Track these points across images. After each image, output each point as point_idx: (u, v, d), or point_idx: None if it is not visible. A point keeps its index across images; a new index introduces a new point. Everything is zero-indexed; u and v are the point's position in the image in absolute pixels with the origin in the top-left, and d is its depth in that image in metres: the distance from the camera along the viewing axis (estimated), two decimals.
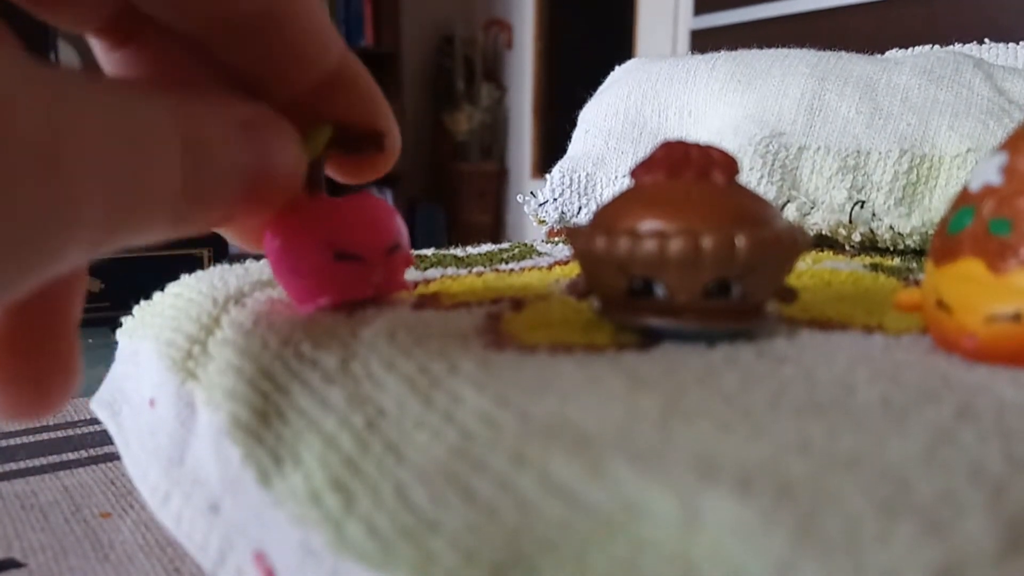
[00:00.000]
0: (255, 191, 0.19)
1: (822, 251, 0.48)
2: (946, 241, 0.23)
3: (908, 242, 0.48)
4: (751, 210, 0.22)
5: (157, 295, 0.32)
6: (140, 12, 0.18)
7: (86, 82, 0.14)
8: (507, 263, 0.41)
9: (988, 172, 0.22)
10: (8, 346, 0.16)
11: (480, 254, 0.44)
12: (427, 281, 0.33)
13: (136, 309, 0.33)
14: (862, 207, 0.49)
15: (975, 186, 0.22)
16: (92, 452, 0.44)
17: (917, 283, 0.35)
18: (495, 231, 3.16)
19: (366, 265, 0.24)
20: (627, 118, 0.64)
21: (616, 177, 0.60)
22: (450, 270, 0.38)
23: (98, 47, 0.21)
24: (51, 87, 0.13)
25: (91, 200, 0.13)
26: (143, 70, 0.21)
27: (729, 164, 0.23)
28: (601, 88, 0.71)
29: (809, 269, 0.37)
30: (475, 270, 0.38)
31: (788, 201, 0.50)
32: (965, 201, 0.23)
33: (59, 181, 0.12)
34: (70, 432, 0.47)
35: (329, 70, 0.20)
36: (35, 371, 0.16)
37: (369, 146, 0.23)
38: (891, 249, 0.49)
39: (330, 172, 0.24)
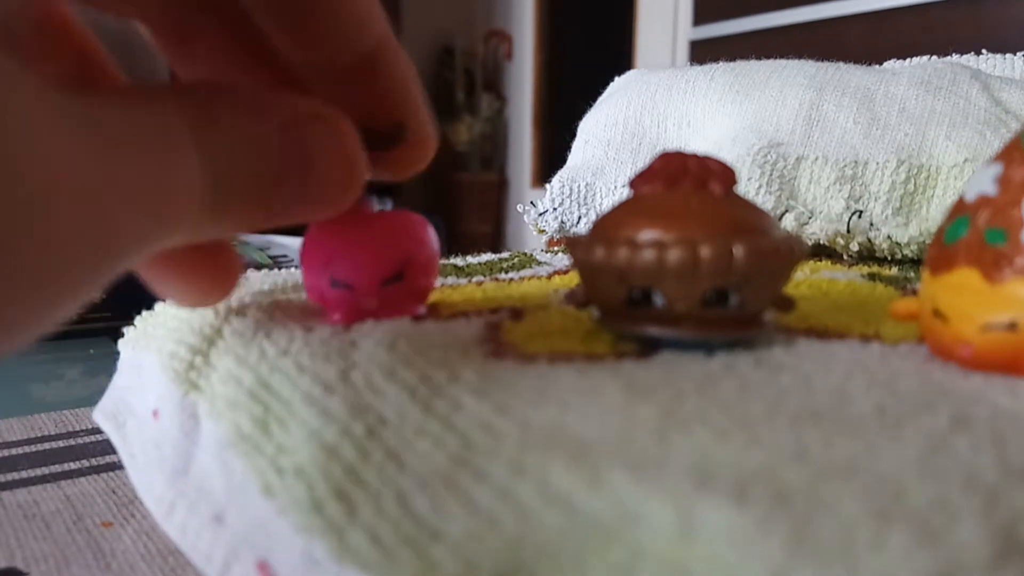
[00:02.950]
0: (299, 194, 0.18)
1: (820, 260, 0.48)
2: (942, 251, 0.23)
3: (906, 252, 0.48)
4: (749, 220, 0.23)
5: (159, 305, 0.32)
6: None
7: (61, 98, 0.13)
8: (507, 273, 0.41)
9: (983, 182, 0.22)
10: (181, 265, 0.21)
11: (480, 264, 0.45)
12: None
13: (138, 319, 0.33)
14: (860, 217, 0.49)
15: (971, 196, 0.23)
16: (94, 462, 0.44)
17: (914, 292, 0.35)
18: (495, 241, 3.16)
19: (356, 294, 0.25)
20: (626, 128, 0.64)
21: (615, 187, 0.60)
22: (450, 280, 0.38)
23: (162, 47, 0.21)
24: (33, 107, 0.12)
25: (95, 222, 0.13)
26: (200, 69, 0.21)
27: (727, 174, 0.23)
28: (600, 99, 0.71)
29: (807, 279, 0.38)
30: (475, 280, 0.38)
31: (786, 211, 0.51)
32: (961, 211, 0.23)
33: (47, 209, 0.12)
34: (71, 442, 0.47)
35: (366, 50, 0.19)
36: (205, 277, 0.21)
37: (392, 142, 0.22)
38: (889, 259, 0.49)
39: (373, 173, 0.23)
